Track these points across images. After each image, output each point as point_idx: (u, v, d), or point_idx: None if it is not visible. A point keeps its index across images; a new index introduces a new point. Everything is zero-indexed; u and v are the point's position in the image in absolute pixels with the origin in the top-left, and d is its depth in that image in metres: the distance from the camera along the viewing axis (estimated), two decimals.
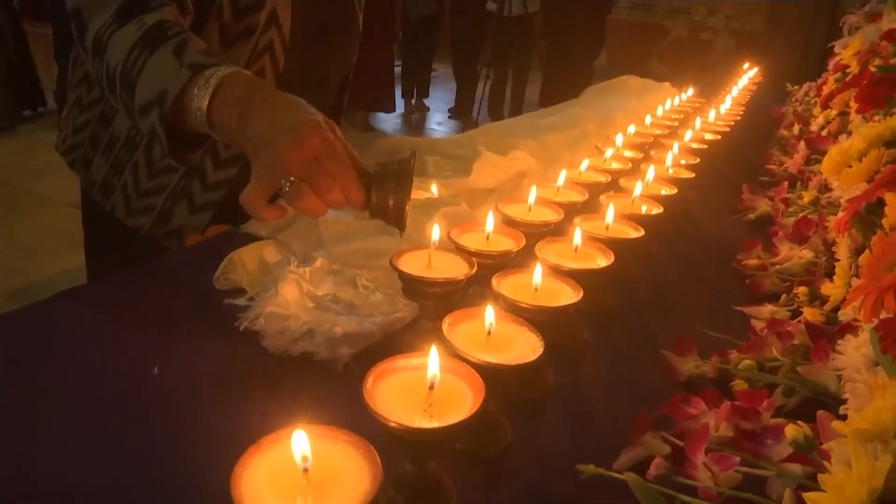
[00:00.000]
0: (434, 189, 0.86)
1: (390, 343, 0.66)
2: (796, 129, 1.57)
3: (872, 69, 1.27)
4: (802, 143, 1.32)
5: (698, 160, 1.07)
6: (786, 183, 1.10)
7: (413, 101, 5.80)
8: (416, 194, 0.82)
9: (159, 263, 0.83)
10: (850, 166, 0.74)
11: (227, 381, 0.61)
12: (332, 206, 0.64)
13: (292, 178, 0.62)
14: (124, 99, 0.73)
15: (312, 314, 0.69)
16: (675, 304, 0.81)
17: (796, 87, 2.33)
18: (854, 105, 0.95)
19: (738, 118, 1.49)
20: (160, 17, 0.73)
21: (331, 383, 0.61)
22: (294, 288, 0.72)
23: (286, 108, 0.65)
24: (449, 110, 5.70)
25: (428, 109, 5.89)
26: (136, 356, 0.64)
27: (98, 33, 0.74)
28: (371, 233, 0.90)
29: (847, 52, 1.58)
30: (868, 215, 0.58)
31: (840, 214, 0.69)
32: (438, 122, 5.72)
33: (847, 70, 1.57)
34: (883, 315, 0.41)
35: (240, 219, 0.94)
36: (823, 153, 1.20)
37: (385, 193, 0.63)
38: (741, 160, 1.40)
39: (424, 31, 5.22)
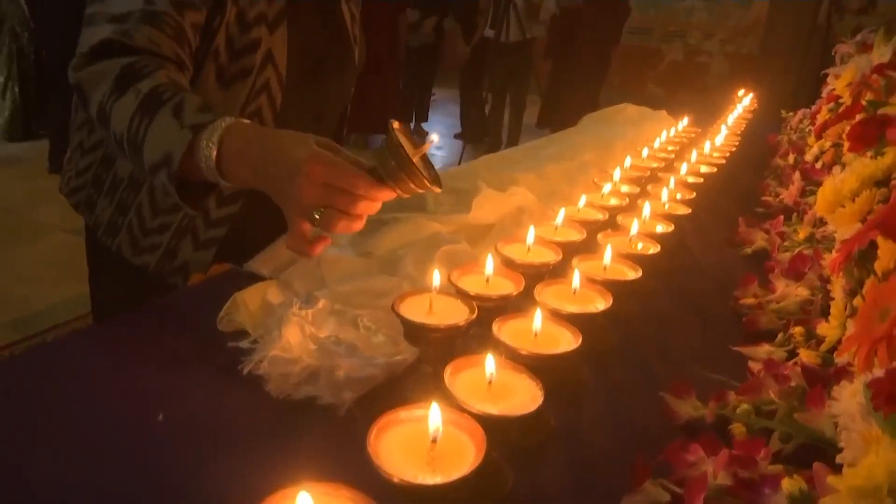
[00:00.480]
0: (434, 137, 0.81)
1: (393, 386, 0.67)
2: (791, 158, 1.59)
3: (864, 103, 1.29)
4: (797, 174, 1.34)
5: (694, 194, 1.08)
6: (781, 217, 1.11)
7: (412, 126, 5.85)
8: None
9: (163, 304, 0.84)
10: (844, 206, 0.75)
11: (232, 430, 0.62)
12: (365, 213, 0.67)
13: (318, 211, 0.65)
14: (134, 161, 0.76)
15: (315, 357, 0.70)
16: (674, 341, 0.82)
17: (791, 113, 2.36)
18: (846, 143, 0.96)
19: (734, 149, 1.51)
20: (154, 83, 0.75)
21: (334, 429, 0.62)
22: (297, 330, 0.72)
23: (285, 149, 0.67)
24: (455, 135, 5.75)
25: (427, 134, 5.94)
26: (140, 402, 0.65)
27: (100, 105, 0.77)
28: (372, 272, 0.91)
29: (839, 82, 1.60)
30: (861, 259, 0.59)
31: (834, 254, 0.70)
32: (438, 147, 5.77)
33: (840, 101, 1.60)
34: (875, 370, 0.42)
35: (244, 254, 0.95)
36: (818, 184, 1.22)
37: (396, 174, 0.63)
38: (737, 190, 1.41)
39: (424, 58, 5.29)
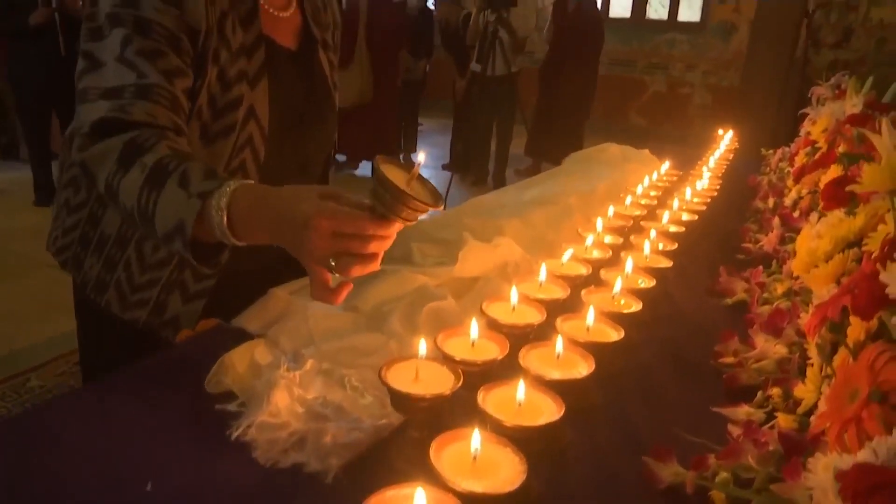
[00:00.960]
0: (421, 157, 0.83)
1: (380, 452, 0.67)
2: (771, 202, 1.63)
3: (838, 152, 1.33)
4: (777, 221, 1.37)
5: (676, 245, 1.10)
6: (760, 268, 1.14)
7: (401, 156, 5.91)
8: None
9: (150, 364, 0.85)
10: (818, 266, 0.78)
11: (220, 498, 0.62)
12: (379, 251, 0.70)
13: (334, 259, 0.69)
14: (147, 231, 0.80)
15: (303, 420, 0.71)
16: (657, 398, 0.83)
17: (771, 151, 2.42)
18: (822, 197, 0.99)
19: (715, 193, 1.54)
20: (157, 156, 0.78)
21: (322, 497, 0.62)
22: (285, 393, 0.73)
23: (291, 208, 0.70)
24: (443, 166, 5.81)
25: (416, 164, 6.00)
26: (128, 469, 0.65)
27: (107, 182, 0.80)
28: (359, 328, 0.92)
29: (815, 128, 1.65)
30: (833, 328, 0.61)
31: (809, 317, 0.72)
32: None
33: (816, 145, 1.64)
34: (845, 456, 0.43)
35: (233, 305, 0.96)
36: (797, 231, 1.25)
37: (394, 206, 0.66)
38: (719, 234, 1.44)
39: (412, 91, 5.40)
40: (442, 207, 0.71)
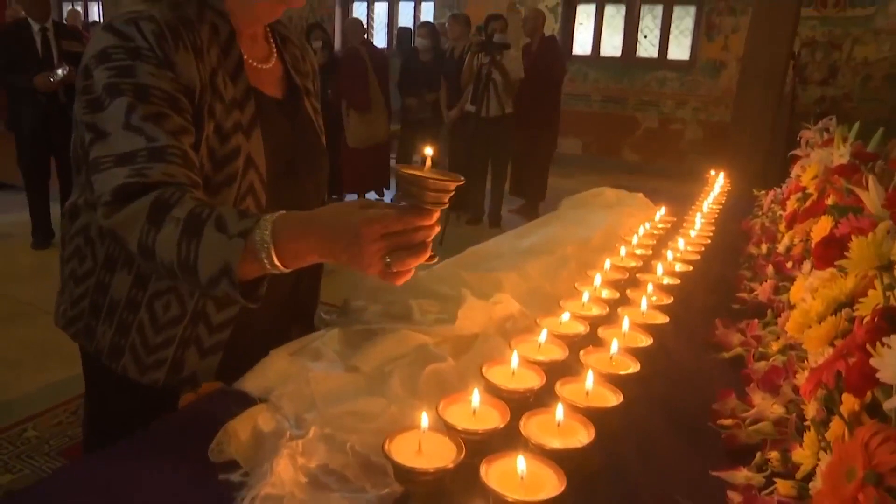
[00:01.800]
0: (429, 150, 0.85)
1: None
2: (764, 247, 1.65)
3: (827, 203, 1.36)
4: (771, 269, 1.39)
5: (672, 299, 1.12)
6: (756, 321, 1.15)
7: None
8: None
9: (154, 431, 0.85)
10: (811, 327, 0.79)
11: None
12: (427, 241, 0.79)
13: (388, 257, 0.77)
14: (189, 282, 0.83)
15: (306, 490, 0.71)
16: (656, 460, 0.84)
17: (762, 192, 2.45)
18: (812, 259, 1.01)
19: (708, 241, 1.56)
20: (188, 208, 0.82)
21: None
22: (288, 463, 0.74)
23: (338, 223, 0.79)
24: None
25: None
26: None
27: (141, 242, 0.83)
28: (360, 389, 0.93)
29: (805, 175, 1.68)
30: (827, 405, 0.62)
31: (804, 381, 0.74)
32: None
33: (806, 191, 1.67)
34: None
35: (249, 357, 0.98)
36: (791, 280, 1.27)
37: (425, 195, 0.76)
38: (714, 283, 1.46)
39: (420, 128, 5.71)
40: (462, 180, 0.79)
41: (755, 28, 4.82)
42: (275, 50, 1.13)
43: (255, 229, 0.79)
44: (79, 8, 12.97)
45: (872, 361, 0.51)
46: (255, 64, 1.06)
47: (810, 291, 1.00)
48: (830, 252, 0.90)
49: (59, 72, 3.98)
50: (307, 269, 1.15)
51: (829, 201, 1.32)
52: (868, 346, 0.53)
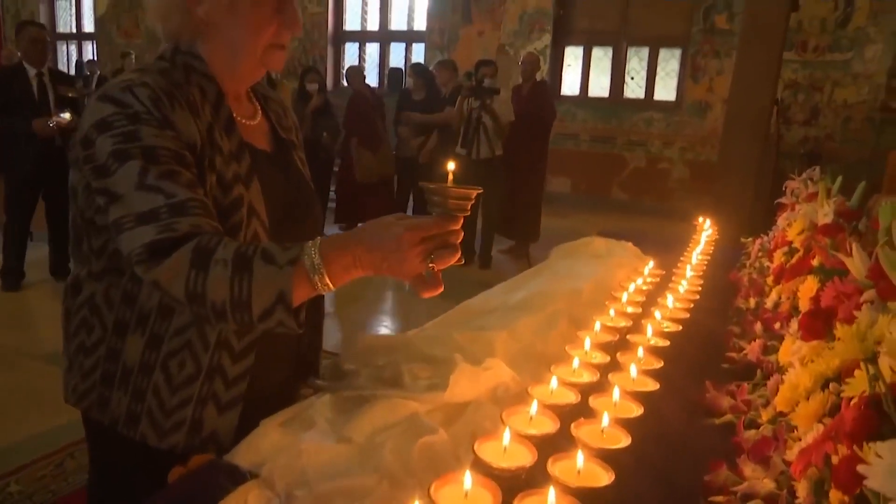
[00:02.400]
0: (451, 165, 0.97)
1: None
2: (752, 301, 1.67)
3: (813, 263, 1.38)
4: (759, 327, 1.40)
5: (662, 364, 1.13)
6: (745, 385, 1.16)
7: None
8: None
9: None
10: (799, 403, 0.80)
11: None
12: (457, 242, 0.89)
13: (430, 259, 0.86)
14: (239, 318, 0.87)
15: None
16: None
17: (749, 239, 2.48)
18: (797, 330, 1.02)
19: (697, 296, 1.58)
20: (230, 249, 0.87)
21: None
22: None
23: (380, 235, 0.87)
24: None
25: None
26: None
27: (189, 289, 0.86)
28: (352, 461, 0.92)
29: (791, 230, 1.71)
30: (816, 496, 0.62)
31: (794, 460, 0.74)
32: None
33: (792, 245, 1.70)
34: None
35: (267, 408, 1.00)
36: (780, 339, 1.28)
37: (447, 203, 0.87)
38: (704, 341, 1.46)
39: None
40: (480, 189, 0.91)
41: (739, 71, 4.92)
42: (259, 108, 1.18)
43: (302, 256, 0.86)
44: (73, 48, 13.13)
45: (860, 469, 0.51)
46: (243, 121, 1.11)
47: (798, 359, 1.01)
48: (817, 324, 0.91)
49: (65, 115, 4.00)
50: (309, 322, 1.17)
51: (815, 261, 1.34)
52: (855, 447, 0.54)
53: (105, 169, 0.92)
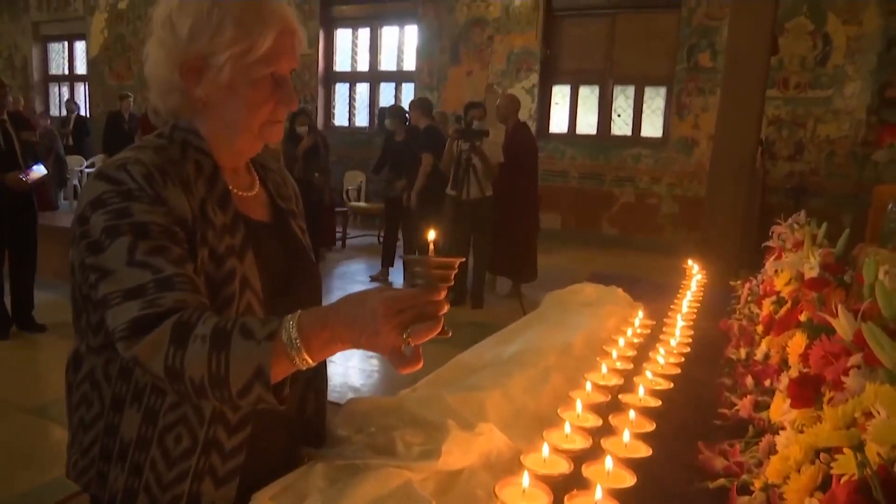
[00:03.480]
0: (431, 234, 0.99)
1: None
2: (742, 352, 1.68)
3: (801, 318, 1.39)
4: (750, 381, 1.41)
5: (654, 426, 1.13)
6: (737, 446, 1.16)
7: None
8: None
9: None
10: (790, 476, 0.80)
11: None
12: (440, 315, 0.86)
13: (406, 333, 0.84)
14: (219, 395, 0.86)
15: None
16: None
17: (738, 282, 2.50)
18: (784, 391, 1.03)
19: (688, 349, 1.58)
20: (210, 324, 0.86)
21: None
22: None
23: (357, 309, 0.86)
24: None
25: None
26: None
27: (167, 365, 0.85)
28: None
29: (779, 280, 1.73)
30: None
31: None
32: None
33: (780, 295, 1.72)
34: None
35: (270, 476, 1.01)
36: (772, 394, 1.29)
37: (429, 273, 0.87)
38: (695, 395, 1.46)
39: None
40: (462, 259, 0.91)
41: (724, 110, 5.01)
42: (257, 179, 1.19)
43: (280, 330, 0.85)
44: (65, 89, 13.24)
45: None
46: (239, 193, 1.12)
47: (789, 422, 1.02)
48: (806, 392, 0.92)
49: (39, 169, 4.01)
50: (312, 387, 1.16)
51: (803, 316, 1.36)
52: None
53: (98, 245, 0.93)
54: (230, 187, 1.09)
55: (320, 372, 1.22)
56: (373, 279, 6.16)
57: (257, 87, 1.02)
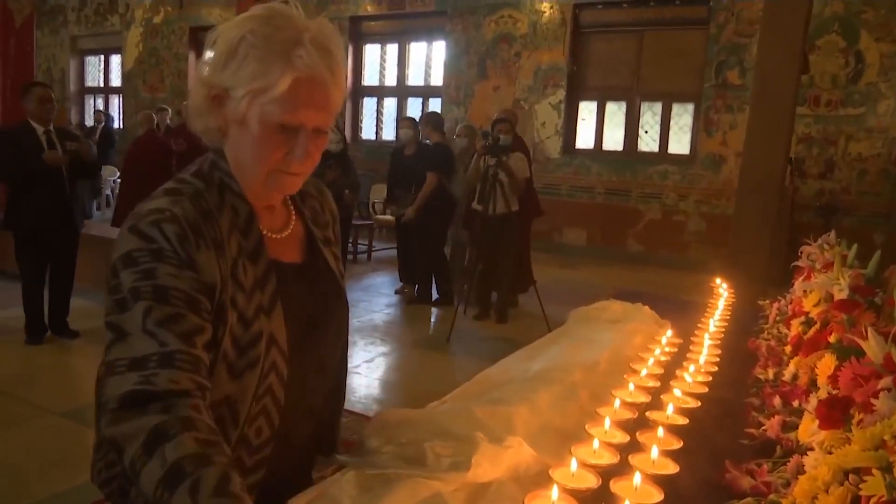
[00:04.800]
0: None
1: None
2: (770, 373, 1.67)
3: (830, 340, 1.39)
4: (778, 401, 1.41)
5: (681, 444, 1.14)
6: (765, 466, 1.16)
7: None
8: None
9: None
10: (819, 497, 0.81)
11: None
12: None
13: None
14: None
15: None
16: None
17: (766, 302, 2.49)
18: (813, 411, 1.04)
19: (715, 368, 1.59)
20: (179, 454, 0.81)
21: None
22: None
23: None
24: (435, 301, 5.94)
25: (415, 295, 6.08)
26: None
27: (132, 463, 0.84)
28: None
29: (808, 301, 1.73)
30: None
31: None
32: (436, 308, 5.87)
33: (809, 315, 1.71)
34: None
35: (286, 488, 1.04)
36: (800, 415, 1.29)
37: None
38: (723, 415, 1.47)
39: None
40: None
41: (752, 131, 4.97)
42: (293, 213, 1.18)
43: None
44: (100, 101, 13.58)
45: None
46: (273, 235, 1.11)
47: (818, 443, 1.02)
48: (835, 414, 0.93)
49: (73, 144, 4.17)
50: (323, 406, 1.19)
51: (832, 338, 1.36)
52: None
53: (124, 303, 0.93)
54: (264, 231, 1.08)
55: (339, 388, 1.27)
56: (397, 293, 6.20)
57: (266, 129, 1.00)
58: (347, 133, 10.03)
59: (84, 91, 13.92)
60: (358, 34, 10.48)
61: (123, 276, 0.93)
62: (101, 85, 13.79)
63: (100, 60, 13.72)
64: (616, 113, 8.86)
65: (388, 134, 10.63)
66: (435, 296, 5.90)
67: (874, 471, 0.71)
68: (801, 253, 2.31)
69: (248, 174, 1.05)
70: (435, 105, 9.98)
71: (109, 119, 11.94)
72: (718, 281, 2.66)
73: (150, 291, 0.91)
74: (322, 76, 0.99)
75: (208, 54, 1.03)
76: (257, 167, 1.03)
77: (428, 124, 5.90)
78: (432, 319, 5.59)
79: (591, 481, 1.00)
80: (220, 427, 0.92)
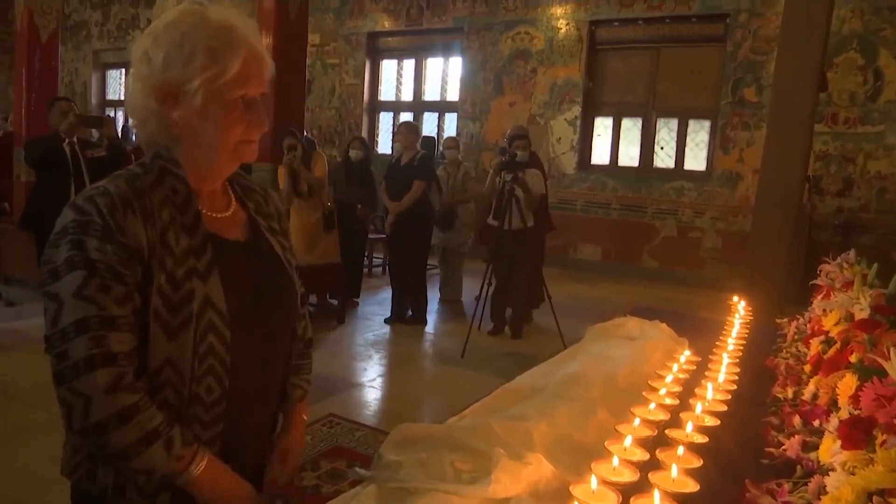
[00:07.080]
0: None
1: None
2: (790, 392, 1.67)
3: (851, 359, 1.39)
4: (798, 421, 1.41)
5: (701, 462, 1.14)
6: (785, 486, 1.16)
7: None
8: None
9: None
10: None
11: None
12: None
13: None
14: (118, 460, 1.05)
15: None
16: None
17: (784, 320, 2.48)
18: (834, 431, 1.03)
19: (734, 387, 1.58)
20: (157, 421, 1.03)
21: None
22: None
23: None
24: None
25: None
26: None
27: (100, 420, 1.01)
28: None
29: (828, 321, 1.72)
30: None
31: None
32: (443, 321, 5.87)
33: (829, 335, 1.71)
34: None
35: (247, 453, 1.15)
36: (820, 434, 1.28)
37: None
38: (742, 433, 1.46)
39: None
40: None
41: (770, 144, 4.96)
42: (234, 199, 1.26)
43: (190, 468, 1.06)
44: (119, 113, 13.80)
45: None
46: (214, 215, 1.19)
47: (840, 464, 1.02)
48: (857, 434, 0.93)
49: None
50: (275, 369, 1.28)
51: (853, 357, 1.35)
52: None
53: (56, 273, 1.02)
54: (203, 210, 1.16)
55: (289, 355, 1.34)
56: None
57: (229, 109, 1.09)
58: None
59: (105, 104, 14.15)
60: (375, 50, 10.59)
61: (59, 248, 1.02)
62: (121, 98, 14.02)
63: (120, 74, 13.94)
64: (632, 129, 8.87)
65: None
66: (409, 313, 5.83)
67: None
68: (820, 271, 2.30)
69: (214, 156, 1.14)
70: (451, 120, 10.05)
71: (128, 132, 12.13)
72: (736, 298, 2.65)
73: (81, 262, 1.00)
74: (259, 50, 1.12)
75: (143, 63, 1.10)
76: (226, 145, 1.12)
77: (412, 133, 5.76)
78: (447, 335, 5.60)
79: (612, 499, 1.00)
80: (168, 386, 1.06)
